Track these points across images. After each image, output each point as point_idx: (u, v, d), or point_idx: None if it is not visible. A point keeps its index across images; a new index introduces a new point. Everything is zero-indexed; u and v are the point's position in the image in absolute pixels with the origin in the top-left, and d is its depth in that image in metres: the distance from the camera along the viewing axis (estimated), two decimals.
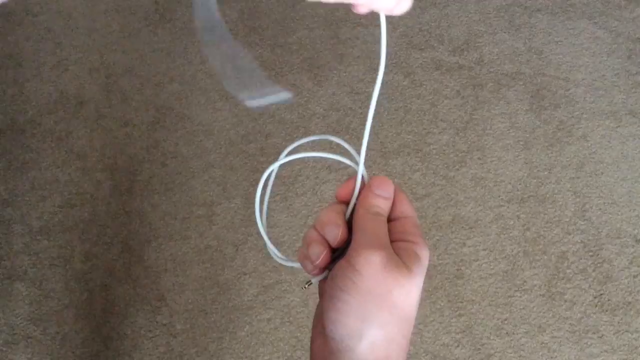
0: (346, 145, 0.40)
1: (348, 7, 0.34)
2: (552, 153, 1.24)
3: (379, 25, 0.35)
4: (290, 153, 0.41)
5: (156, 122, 1.29)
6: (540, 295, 1.11)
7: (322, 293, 0.38)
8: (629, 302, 1.10)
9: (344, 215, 0.38)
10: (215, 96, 1.32)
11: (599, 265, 1.13)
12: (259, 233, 0.41)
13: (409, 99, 1.30)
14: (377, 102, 0.36)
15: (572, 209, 1.18)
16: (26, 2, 1.45)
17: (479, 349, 1.07)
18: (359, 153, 0.38)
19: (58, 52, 1.38)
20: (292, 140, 0.41)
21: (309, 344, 0.37)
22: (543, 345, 1.07)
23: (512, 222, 1.17)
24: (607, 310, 1.09)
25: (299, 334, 1.09)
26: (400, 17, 1.39)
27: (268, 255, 0.43)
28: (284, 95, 0.32)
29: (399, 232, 0.36)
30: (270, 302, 1.11)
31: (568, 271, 1.13)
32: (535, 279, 1.12)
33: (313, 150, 0.42)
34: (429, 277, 1.12)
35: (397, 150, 1.24)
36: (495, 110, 1.29)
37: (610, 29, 1.39)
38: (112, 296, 1.13)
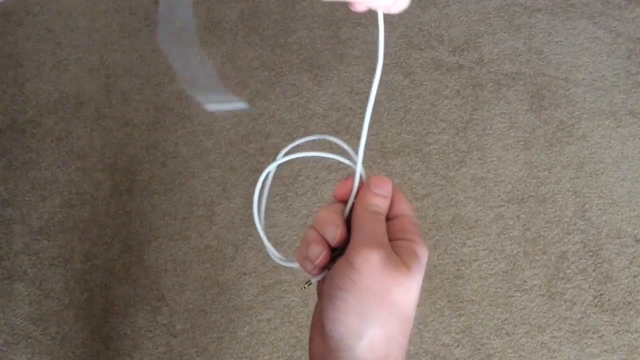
0: (344, 145, 0.40)
1: (347, 6, 0.34)
2: (552, 153, 1.24)
3: (378, 24, 0.35)
4: (288, 153, 0.41)
5: (156, 122, 1.29)
6: (540, 295, 1.11)
7: (321, 292, 0.38)
8: (629, 302, 1.10)
9: (343, 214, 0.38)
10: None
11: (599, 265, 1.13)
12: (258, 233, 0.41)
13: (409, 99, 1.30)
14: (377, 101, 0.36)
15: (572, 209, 1.18)
16: (26, 2, 1.45)
17: (479, 349, 1.07)
18: (356, 152, 0.38)
19: (58, 52, 1.39)
20: (292, 140, 0.41)
21: (308, 343, 0.37)
22: (543, 345, 1.07)
23: (512, 222, 1.17)
24: (607, 310, 1.09)
25: (299, 334, 1.09)
26: (400, 17, 1.39)
27: (268, 256, 0.43)
28: (239, 105, 0.33)
29: (398, 230, 0.36)
30: (270, 302, 1.11)
31: (568, 271, 1.13)
32: (535, 279, 1.12)
33: (311, 150, 0.42)
34: (429, 277, 1.12)
35: (397, 150, 1.24)
36: (495, 110, 1.29)
37: (610, 29, 1.39)
38: (112, 296, 1.13)
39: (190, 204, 1.20)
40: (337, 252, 0.37)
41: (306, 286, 0.39)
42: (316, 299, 0.39)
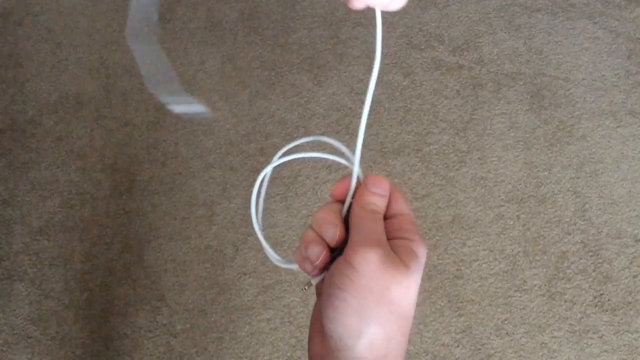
0: (339, 145, 0.40)
1: (346, 4, 0.34)
2: (552, 153, 1.24)
3: (376, 22, 0.35)
4: (284, 155, 0.41)
5: (156, 122, 1.29)
6: (540, 295, 1.11)
7: (320, 292, 0.38)
8: (629, 302, 1.10)
9: (341, 214, 0.38)
10: (215, 96, 1.32)
11: (599, 265, 1.13)
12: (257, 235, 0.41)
13: (409, 99, 1.30)
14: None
15: (572, 209, 1.18)
16: (26, 2, 1.45)
17: (479, 349, 1.07)
18: (353, 152, 0.38)
19: (58, 52, 1.39)
20: (292, 140, 0.41)
21: (307, 343, 0.37)
22: (543, 345, 1.07)
23: (512, 222, 1.17)
24: (607, 310, 1.09)
25: (298, 334, 1.09)
26: (400, 17, 1.39)
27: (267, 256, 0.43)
28: (198, 108, 0.34)
29: (396, 229, 0.36)
30: (270, 302, 1.11)
31: (568, 271, 1.13)
32: (535, 279, 1.12)
33: (309, 151, 0.42)
34: (429, 277, 1.12)
35: (397, 150, 1.24)
36: (495, 110, 1.29)
37: (610, 29, 1.39)
38: (112, 296, 1.13)
39: (190, 204, 1.20)
40: (336, 252, 0.37)
41: (306, 288, 0.39)
42: (315, 299, 0.39)
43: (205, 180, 1.23)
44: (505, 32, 1.39)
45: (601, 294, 1.11)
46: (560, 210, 1.18)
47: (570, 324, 1.09)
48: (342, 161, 0.40)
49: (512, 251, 1.15)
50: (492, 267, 1.13)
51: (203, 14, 1.42)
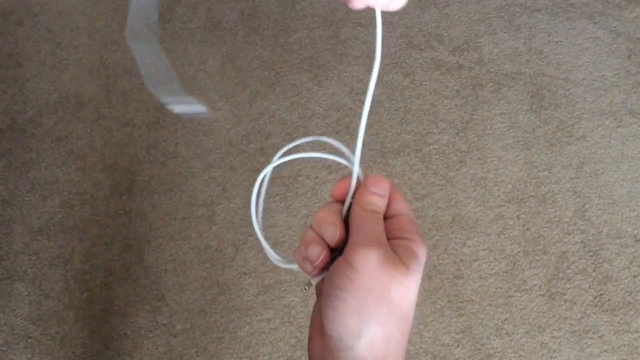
0: (339, 145, 0.40)
1: (346, 4, 0.34)
2: (552, 153, 1.24)
3: (376, 22, 0.35)
4: (284, 155, 0.41)
5: (156, 122, 1.29)
6: (540, 295, 1.11)
7: (319, 292, 0.38)
8: (629, 302, 1.10)
9: (341, 214, 0.38)
10: (215, 96, 1.32)
11: (599, 265, 1.13)
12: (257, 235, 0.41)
13: (409, 99, 1.30)
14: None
15: (572, 209, 1.18)
16: (26, 2, 1.45)
17: (479, 349, 1.07)
18: (353, 152, 0.38)
19: (58, 52, 1.39)
20: (292, 140, 0.41)
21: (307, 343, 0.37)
22: (543, 345, 1.07)
23: (512, 222, 1.17)
24: (607, 310, 1.09)
25: (298, 334, 1.09)
26: (400, 17, 1.39)
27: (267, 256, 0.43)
28: (198, 108, 0.34)
29: (396, 229, 0.36)
30: (270, 302, 1.11)
31: (568, 271, 1.13)
32: (535, 279, 1.12)
33: (309, 150, 0.42)
34: (429, 277, 1.12)
35: (397, 150, 1.24)
36: (495, 110, 1.29)
37: (610, 29, 1.39)
38: (112, 296, 1.13)
39: (190, 204, 1.20)
40: (336, 252, 0.37)
41: (306, 288, 0.39)
42: (315, 299, 0.39)
43: (205, 180, 1.23)
44: (505, 32, 1.39)
45: (601, 294, 1.11)
46: (560, 210, 1.18)
47: (570, 324, 1.09)
48: (342, 161, 0.40)
49: (512, 251, 1.15)
50: (492, 267, 1.13)
51: (203, 14, 1.42)
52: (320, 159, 1.25)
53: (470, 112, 1.29)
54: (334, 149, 0.41)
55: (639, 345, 1.07)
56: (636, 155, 1.24)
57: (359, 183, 0.38)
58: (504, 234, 1.16)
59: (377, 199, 0.37)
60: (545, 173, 1.22)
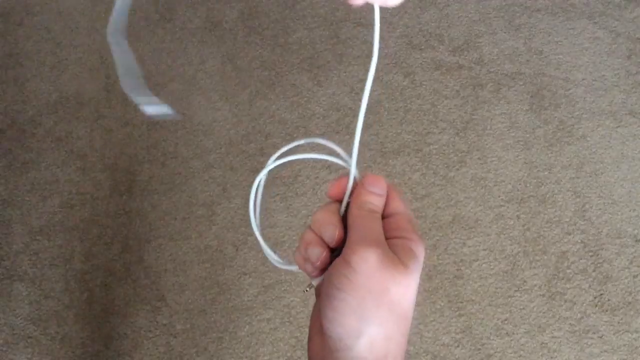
0: (333, 146, 0.40)
1: (345, 2, 0.34)
2: (552, 153, 1.24)
3: (374, 18, 0.35)
4: (280, 156, 0.41)
5: (156, 122, 1.29)
6: (540, 295, 1.11)
7: (319, 292, 0.38)
8: (629, 302, 1.10)
9: (339, 214, 0.38)
10: (215, 96, 1.32)
11: (599, 265, 1.13)
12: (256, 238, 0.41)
13: (409, 99, 1.30)
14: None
15: (572, 209, 1.18)
16: (26, 2, 1.45)
17: (479, 349, 1.07)
18: (348, 153, 0.38)
19: (58, 52, 1.39)
20: (292, 140, 0.41)
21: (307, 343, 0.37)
22: (543, 345, 1.07)
23: (512, 222, 1.17)
24: (607, 310, 1.09)
25: (298, 334, 1.09)
26: (400, 17, 1.39)
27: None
28: (165, 110, 0.35)
29: (393, 229, 0.36)
30: (270, 302, 1.11)
31: (568, 271, 1.13)
32: (535, 279, 1.12)
33: (306, 151, 0.42)
34: (429, 277, 1.12)
35: (397, 150, 1.24)
36: (495, 110, 1.29)
37: (610, 29, 1.39)
38: (112, 296, 1.13)
39: (190, 204, 1.20)
40: (336, 252, 0.37)
41: (307, 289, 0.39)
42: (315, 299, 0.39)
43: (205, 180, 1.23)
44: (505, 32, 1.39)
45: (601, 294, 1.11)
46: (560, 210, 1.18)
47: (570, 324, 1.09)
48: (339, 162, 0.40)
49: (512, 251, 1.15)
50: (492, 267, 1.13)
51: (203, 14, 1.42)
52: (321, 159, 1.25)
53: (470, 112, 1.29)
54: (330, 149, 0.41)
55: (639, 345, 1.07)
56: (636, 155, 1.24)
57: (355, 182, 0.38)
58: (504, 234, 1.16)
59: (374, 198, 0.37)
60: (545, 173, 1.22)
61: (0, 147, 1.28)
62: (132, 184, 1.23)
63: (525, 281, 1.12)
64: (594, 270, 1.13)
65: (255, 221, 0.42)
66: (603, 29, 1.39)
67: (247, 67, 1.35)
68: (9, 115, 1.31)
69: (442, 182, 1.21)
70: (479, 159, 1.24)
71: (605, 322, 1.09)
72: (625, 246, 1.15)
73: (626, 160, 1.23)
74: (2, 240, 1.18)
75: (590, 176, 1.21)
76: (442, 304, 1.10)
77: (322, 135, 1.25)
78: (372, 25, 0.35)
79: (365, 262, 0.33)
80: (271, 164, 0.41)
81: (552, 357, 1.06)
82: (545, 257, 1.14)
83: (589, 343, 1.07)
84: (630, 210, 1.18)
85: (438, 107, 1.30)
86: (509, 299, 1.11)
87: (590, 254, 1.14)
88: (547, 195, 1.20)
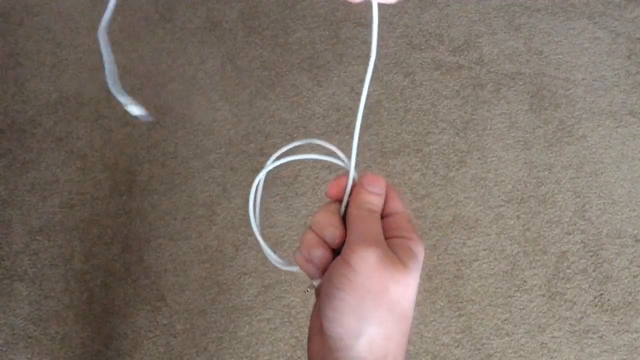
0: (331, 146, 0.40)
1: (345, 1, 0.33)
2: (552, 153, 1.24)
3: (379, 25, 0.35)
4: (279, 157, 0.41)
5: (156, 122, 1.29)
6: (540, 295, 1.11)
7: (318, 292, 0.38)
8: (629, 302, 1.10)
9: (339, 214, 0.38)
10: (215, 96, 1.32)
11: (599, 265, 1.13)
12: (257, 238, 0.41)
13: (409, 99, 1.30)
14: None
15: (572, 209, 1.18)
16: (26, 2, 1.45)
17: (479, 349, 1.07)
18: (348, 153, 0.38)
19: (58, 52, 1.39)
20: (292, 140, 0.41)
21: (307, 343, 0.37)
22: (543, 345, 1.07)
23: (512, 222, 1.17)
24: (607, 310, 1.09)
25: (298, 334, 1.09)
26: (400, 17, 1.39)
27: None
28: (142, 111, 0.36)
29: (393, 228, 0.36)
30: (270, 302, 1.11)
31: (568, 271, 1.13)
32: (535, 279, 1.12)
33: (306, 152, 0.42)
34: (429, 277, 1.12)
35: (397, 150, 1.24)
36: (495, 110, 1.29)
37: (610, 29, 1.39)
38: (112, 296, 1.13)
39: (190, 204, 1.20)
40: (337, 252, 0.37)
41: (308, 290, 0.39)
42: (315, 299, 0.39)
43: (205, 180, 1.23)
44: (505, 32, 1.39)
45: (601, 294, 1.11)
46: (560, 210, 1.18)
47: (570, 324, 1.09)
48: (337, 162, 0.40)
49: (512, 251, 1.15)
50: (492, 267, 1.13)
51: (203, 14, 1.42)
52: (321, 159, 1.25)
53: (470, 112, 1.29)
54: (329, 150, 0.41)
55: (639, 345, 1.07)
56: (636, 155, 1.24)
57: (354, 182, 0.38)
58: (504, 234, 1.16)
59: (373, 197, 0.37)
60: (545, 173, 1.22)
61: (0, 147, 1.28)
62: (132, 184, 1.23)
63: (525, 281, 1.12)
64: (594, 270, 1.13)
65: (255, 221, 0.42)
66: (603, 29, 1.39)
67: (247, 67, 1.35)
68: (9, 115, 1.31)
69: (442, 182, 1.21)
70: (479, 159, 1.24)
71: (605, 322, 1.09)
72: (625, 246, 1.15)
73: (626, 160, 1.23)
74: (2, 240, 1.18)
75: (590, 176, 1.21)
76: (442, 304, 1.10)
77: (322, 135, 1.25)
78: (371, 24, 0.35)
79: (365, 262, 0.33)
80: (270, 164, 0.41)
81: (552, 357, 1.06)
82: (545, 257, 1.14)
83: (589, 343, 1.07)
84: (630, 210, 1.18)
85: (438, 107, 1.30)
86: (509, 299, 1.11)
87: (590, 254, 1.14)
88: (547, 195, 1.20)
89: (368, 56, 0.34)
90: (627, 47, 1.36)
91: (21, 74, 1.36)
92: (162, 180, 1.23)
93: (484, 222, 1.17)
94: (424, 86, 1.32)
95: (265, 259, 1.15)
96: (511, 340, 1.08)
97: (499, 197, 1.20)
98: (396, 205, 0.38)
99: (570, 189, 1.20)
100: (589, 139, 1.26)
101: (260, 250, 1.15)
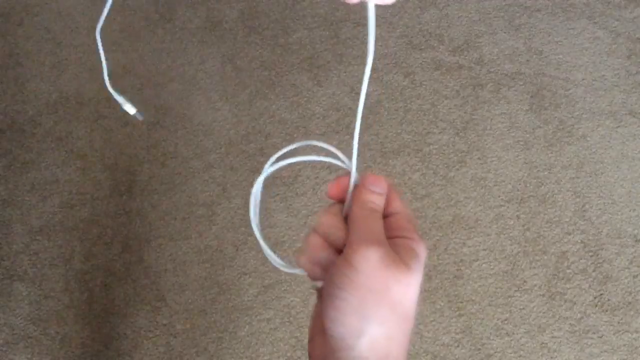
0: (330, 148, 0.40)
1: (343, 1, 0.33)
2: (552, 153, 1.24)
3: (379, 25, 0.35)
4: (276, 161, 0.41)
5: (156, 122, 1.29)
6: (540, 295, 1.11)
7: (320, 292, 0.38)
8: (629, 302, 1.10)
9: (342, 215, 0.38)
10: (215, 96, 1.32)
11: (599, 265, 1.13)
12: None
13: (409, 99, 1.30)
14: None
15: (572, 209, 1.18)
16: (26, 2, 1.45)
17: (479, 349, 1.07)
18: (348, 153, 0.38)
19: (58, 52, 1.39)
20: (292, 140, 0.41)
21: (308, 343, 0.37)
22: (543, 345, 1.07)
23: (512, 222, 1.17)
24: (607, 310, 1.09)
25: (299, 334, 1.09)
26: (400, 17, 1.39)
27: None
28: (135, 111, 0.38)
29: (394, 228, 0.36)
30: (270, 302, 1.11)
31: (568, 271, 1.13)
32: (535, 279, 1.12)
33: (306, 153, 0.42)
34: (428, 277, 1.12)
35: (397, 150, 1.24)
36: (495, 110, 1.29)
37: (610, 29, 1.39)
38: (112, 296, 1.13)
39: (190, 204, 1.20)
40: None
41: (315, 289, 0.39)
42: (316, 299, 0.39)
43: (205, 180, 1.23)
44: (505, 32, 1.39)
45: (601, 294, 1.11)
46: (560, 210, 1.18)
47: (570, 324, 1.09)
48: (337, 163, 0.40)
49: (512, 251, 1.15)
50: (492, 267, 1.13)
51: (203, 14, 1.42)
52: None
53: (470, 112, 1.29)
54: (329, 150, 0.41)
55: (639, 345, 1.07)
56: (636, 155, 1.24)
57: (355, 182, 0.38)
58: (504, 234, 1.16)
59: (375, 197, 0.37)
60: (545, 173, 1.22)
61: (0, 147, 1.27)
62: (132, 184, 1.23)
63: (525, 281, 1.12)
64: (594, 270, 1.13)
65: (255, 221, 0.42)
66: (603, 29, 1.39)
67: (247, 67, 1.35)
68: (9, 115, 1.31)
69: (442, 182, 1.21)
70: (479, 159, 1.24)
71: (605, 322, 1.09)
72: (625, 246, 1.15)
73: (626, 160, 1.23)
74: (2, 240, 1.18)
75: (590, 176, 1.22)
76: (442, 304, 1.10)
77: (322, 135, 1.25)
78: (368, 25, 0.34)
79: (367, 261, 0.33)
80: (269, 167, 0.41)
81: (552, 357, 1.06)
82: (545, 257, 1.14)
83: (589, 343, 1.07)
84: (630, 210, 1.18)
85: (438, 107, 1.30)
86: (509, 299, 1.11)
87: (590, 254, 1.14)
88: (547, 195, 1.20)
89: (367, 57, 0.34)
90: (627, 47, 1.36)
91: (21, 74, 1.36)
92: (162, 180, 1.23)
93: (484, 222, 1.17)
94: (424, 86, 1.32)
95: (265, 259, 1.15)
96: (511, 340, 1.08)
97: (499, 197, 1.20)
98: (397, 205, 0.38)
99: (570, 189, 1.20)
100: (589, 139, 1.26)
101: (260, 250, 1.15)
